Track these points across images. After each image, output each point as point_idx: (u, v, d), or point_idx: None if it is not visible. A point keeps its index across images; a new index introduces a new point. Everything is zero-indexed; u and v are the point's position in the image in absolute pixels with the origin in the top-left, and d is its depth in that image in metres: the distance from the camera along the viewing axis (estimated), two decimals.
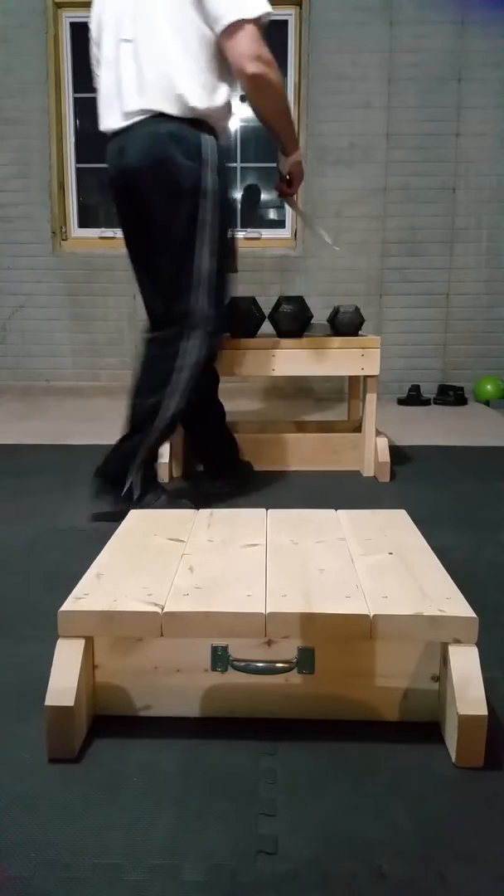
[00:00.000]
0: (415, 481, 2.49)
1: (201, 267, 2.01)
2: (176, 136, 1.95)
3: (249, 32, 1.91)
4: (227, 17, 1.89)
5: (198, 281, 2.01)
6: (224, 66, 1.99)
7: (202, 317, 2.02)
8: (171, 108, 1.94)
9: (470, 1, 3.96)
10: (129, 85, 1.98)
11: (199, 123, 1.97)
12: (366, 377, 2.52)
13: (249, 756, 1.03)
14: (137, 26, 1.97)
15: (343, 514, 1.51)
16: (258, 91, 1.99)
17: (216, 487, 2.36)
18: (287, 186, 2.31)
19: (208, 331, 2.03)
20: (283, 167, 2.25)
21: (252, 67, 1.93)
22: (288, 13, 4.10)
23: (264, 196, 4.44)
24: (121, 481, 2.06)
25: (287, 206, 3.99)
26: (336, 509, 1.55)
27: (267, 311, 2.52)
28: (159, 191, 1.98)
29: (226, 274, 2.11)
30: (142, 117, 1.96)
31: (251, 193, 4.45)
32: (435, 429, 3.41)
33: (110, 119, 2.04)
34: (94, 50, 2.12)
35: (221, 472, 2.41)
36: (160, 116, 1.94)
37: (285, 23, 4.12)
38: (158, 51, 1.95)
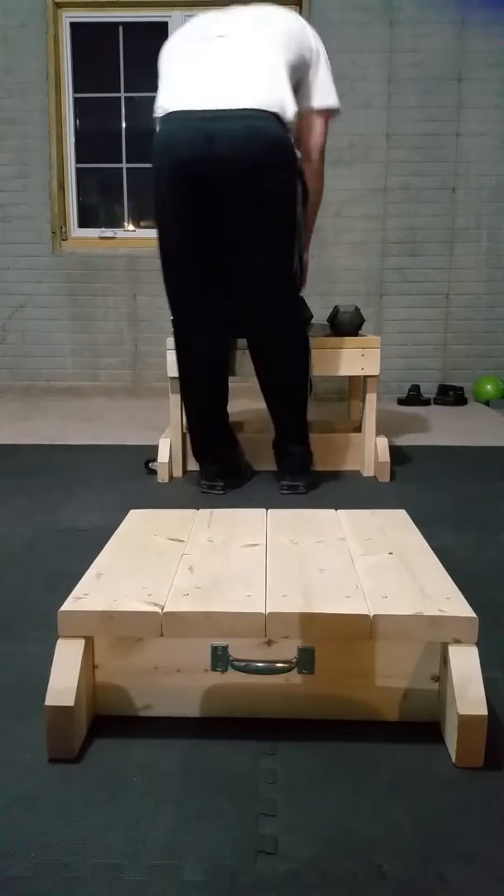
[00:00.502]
0: (415, 481, 2.49)
1: (296, 263, 2.18)
2: (281, 138, 2.03)
3: (328, 125, 2.28)
4: (330, 101, 2.24)
5: (296, 275, 2.19)
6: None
7: (304, 308, 2.29)
8: (276, 109, 2.00)
9: (470, 1, 3.96)
10: (225, 73, 2.02)
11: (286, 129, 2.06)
12: (366, 377, 2.52)
13: (249, 756, 1.03)
14: (236, 28, 2.09)
15: (343, 514, 1.51)
16: (315, 174, 2.28)
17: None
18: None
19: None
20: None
21: (318, 153, 2.27)
22: None
23: None
24: (308, 467, 2.38)
25: None
26: (336, 509, 1.55)
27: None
28: (265, 190, 2.02)
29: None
30: (237, 107, 1.98)
31: None
32: (435, 429, 3.41)
33: (183, 100, 2.02)
34: (164, 63, 2.16)
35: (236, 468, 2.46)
36: (259, 112, 1.99)
37: None
38: (261, 59, 2.04)
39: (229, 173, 2.00)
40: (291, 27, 2.12)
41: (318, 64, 2.18)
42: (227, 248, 2.13)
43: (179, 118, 2.03)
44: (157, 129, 2.09)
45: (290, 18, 2.15)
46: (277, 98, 2.02)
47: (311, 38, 2.17)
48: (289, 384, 2.29)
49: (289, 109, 2.05)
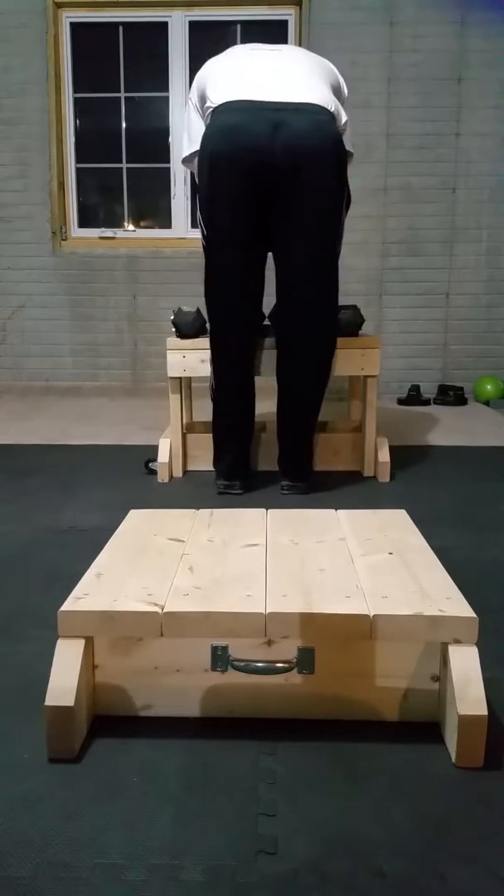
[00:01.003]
0: (415, 481, 2.49)
1: (337, 262, 2.25)
2: (339, 136, 2.09)
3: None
4: (350, 146, 2.26)
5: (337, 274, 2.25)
6: None
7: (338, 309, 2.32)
8: (333, 109, 2.07)
9: (470, 1, 3.96)
10: (284, 73, 2.08)
11: None
12: (366, 377, 2.52)
13: (249, 756, 1.03)
14: (284, 48, 2.20)
15: (343, 514, 1.51)
16: None
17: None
18: None
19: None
20: None
21: None
22: (288, 13, 4.10)
23: None
24: (310, 468, 2.39)
25: None
26: (336, 509, 1.55)
27: (267, 311, 2.52)
28: (323, 183, 2.06)
29: None
30: (301, 101, 2.03)
31: None
32: (435, 429, 3.41)
33: (245, 92, 2.04)
34: (214, 69, 2.19)
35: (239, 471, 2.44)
36: (321, 108, 2.04)
37: (285, 23, 4.12)
38: (313, 71, 2.13)
39: (290, 164, 2.01)
40: (329, 65, 2.23)
41: (346, 108, 2.26)
42: (276, 243, 2.15)
43: (241, 108, 2.03)
44: (210, 120, 2.09)
45: (326, 60, 2.25)
46: (332, 101, 2.09)
47: (343, 84, 2.27)
48: (311, 384, 2.28)
49: (343, 115, 2.13)
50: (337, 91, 2.19)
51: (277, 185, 2.04)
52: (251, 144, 2.01)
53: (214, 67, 2.18)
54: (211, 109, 2.10)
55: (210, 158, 2.05)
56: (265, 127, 1.99)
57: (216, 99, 2.08)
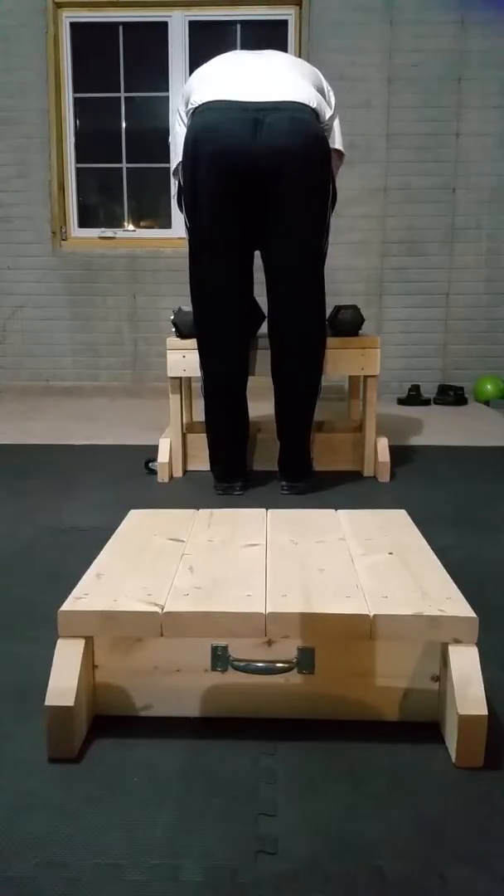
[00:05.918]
0: (415, 481, 2.49)
1: (323, 259, 2.24)
2: (321, 133, 2.10)
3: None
4: (341, 146, 2.30)
5: (322, 271, 2.24)
6: None
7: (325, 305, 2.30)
8: (315, 106, 2.08)
9: (470, 1, 3.96)
10: (266, 73, 2.08)
11: None
12: (366, 377, 2.52)
13: (249, 756, 1.03)
14: (267, 53, 2.19)
15: (343, 514, 1.51)
16: None
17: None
18: None
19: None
20: None
21: None
22: (288, 13, 4.10)
23: None
24: (309, 468, 2.40)
25: None
26: (336, 509, 1.55)
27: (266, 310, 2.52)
28: (304, 181, 2.05)
29: None
30: (281, 99, 2.03)
31: None
32: (435, 429, 3.41)
33: (225, 92, 2.04)
34: (196, 75, 2.19)
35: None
36: (302, 106, 2.04)
37: (285, 23, 4.12)
38: (295, 71, 2.13)
39: (272, 163, 2.01)
40: (314, 70, 2.23)
41: (334, 110, 2.25)
42: (261, 241, 2.15)
43: (221, 107, 2.03)
44: (191, 120, 2.09)
45: (312, 66, 2.26)
46: (315, 98, 2.09)
47: (329, 90, 2.26)
48: (303, 383, 2.28)
49: (326, 111, 2.13)
50: (321, 92, 2.19)
51: (260, 184, 2.04)
52: (232, 144, 2.00)
53: (198, 74, 2.19)
54: (192, 110, 2.10)
55: (192, 159, 2.05)
56: (245, 126, 1.99)
57: (196, 100, 2.09)
